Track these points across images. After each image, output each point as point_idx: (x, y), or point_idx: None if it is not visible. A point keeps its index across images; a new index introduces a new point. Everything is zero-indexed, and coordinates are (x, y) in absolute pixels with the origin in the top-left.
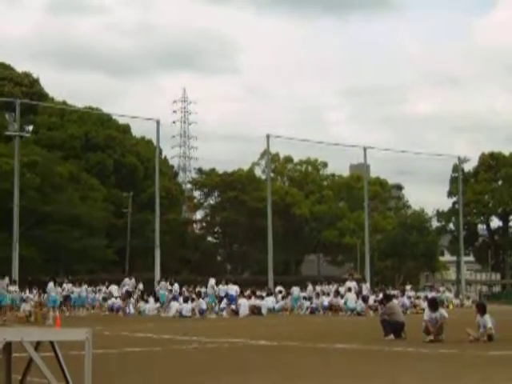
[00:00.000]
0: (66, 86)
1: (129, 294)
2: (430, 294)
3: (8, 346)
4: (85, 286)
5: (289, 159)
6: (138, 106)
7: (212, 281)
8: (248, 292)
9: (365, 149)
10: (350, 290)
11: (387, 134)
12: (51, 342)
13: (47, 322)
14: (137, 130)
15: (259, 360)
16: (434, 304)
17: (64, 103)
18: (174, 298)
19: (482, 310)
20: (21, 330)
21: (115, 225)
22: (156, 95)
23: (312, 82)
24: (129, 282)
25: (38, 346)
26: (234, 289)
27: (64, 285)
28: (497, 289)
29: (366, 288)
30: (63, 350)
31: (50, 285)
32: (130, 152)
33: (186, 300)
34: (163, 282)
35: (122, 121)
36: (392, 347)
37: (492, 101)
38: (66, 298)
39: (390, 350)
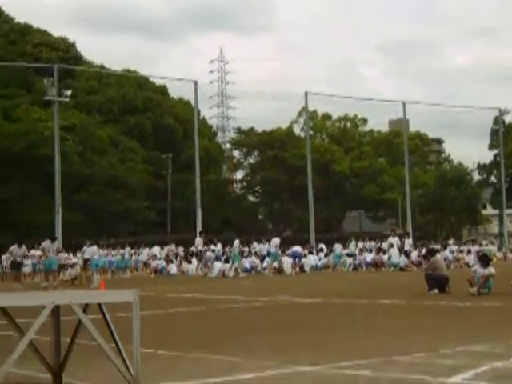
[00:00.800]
0: (102, 50)
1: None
2: (473, 248)
3: (56, 309)
4: (128, 249)
5: (327, 116)
6: (176, 67)
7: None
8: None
9: (404, 103)
10: (392, 245)
11: (425, 88)
12: (99, 304)
13: (92, 286)
14: (174, 92)
15: (303, 317)
16: (486, 260)
17: (101, 67)
18: (217, 258)
19: None
20: (69, 293)
21: (156, 186)
22: (193, 56)
23: (348, 37)
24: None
25: (86, 308)
26: (276, 243)
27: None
28: None
29: (408, 243)
30: (111, 311)
31: (94, 248)
32: (168, 113)
33: (227, 260)
34: (198, 238)
35: (159, 83)
36: (437, 301)
37: None
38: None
39: (434, 304)
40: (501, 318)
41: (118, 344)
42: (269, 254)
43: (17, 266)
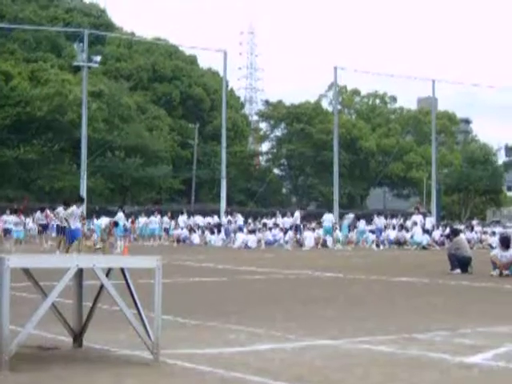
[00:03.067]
0: (133, 17)
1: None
2: (498, 230)
3: (80, 272)
4: (158, 217)
5: (356, 92)
6: (206, 37)
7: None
8: (314, 224)
9: (433, 81)
10: (415, 223)
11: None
12: (122, 270)
13: (115, 252)
14: (204, 62)
15: (323, 291)
16: (507, 242)
17: (132, 34)
18: (240, 229)
19: None
20: (92, 257)
21: (181, 156)
22: (223, 26)
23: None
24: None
25: (109, 273)
26: (297, 217)
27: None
28: None
29: (430, 222)
30: (133, 278)
31: (119, 214)
32: (196, 83)
33: (251, 231)
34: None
35: (189, 52)
36: (458, 281)
37: None
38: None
39: (456, 284)
40: None
41: (140, 310)
42: (291, 227)
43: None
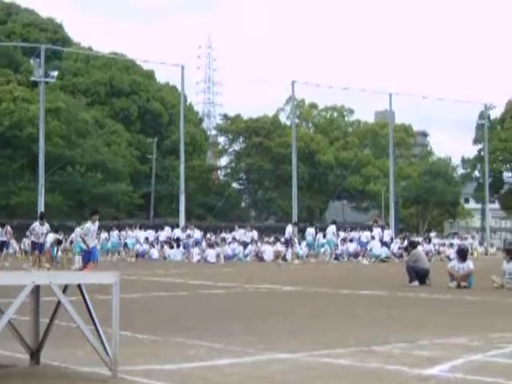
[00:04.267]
0: (90, 32)
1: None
2: (455, 241)
3: (36, 289)
4: (116, 232)
5: (314, 105)
6: (163, 52)
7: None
8: (272, 238)
9: (390, 95)
10: (373, 237)
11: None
12: (79, 286)
13: (73, 267)
14: (161, 76)
15: (283, 305)
16: (463, 255)
17: (89, 49)
18: (197, 244)
19: (510, 254)
20: (49, 274)
21: (140, 170)
22: (180, 41)
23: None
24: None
25: (65, 289)
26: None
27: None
28: None
29: (388, 234)
30: (90, 294)
31: (77, 230)
32: (154, 98)
33: (210, 246)
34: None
35: (146, 67)
36: (417, 293)
37: None
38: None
39: (414, 296)
40: (480, 311)
41: (97, 326)
42: (251, 241)
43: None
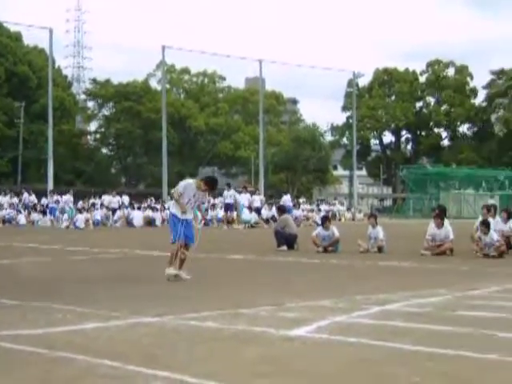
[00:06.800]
0: None
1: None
2: (323, 207)
3: None
4: None
5: (185, 71)
6: (31, 14)
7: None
8: (144, 204)
9: (260, 62)
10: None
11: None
12: None
13: None
14: (29, 39)
15: (151, 270)
16: (326, 221)
17: None
18: (64, 210)
19: (375, 220)
20: None
21: (7, 135)
22: (49, 3)
23: None
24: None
25: None
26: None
27: None
28: (388, 203)
29: (258, 200)
30: None
31: None
32: (21, 61)
33: (79, 211)
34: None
35: (13, 29)
36: (285, 258)
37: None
38: None
39: (282, 261)
40: (346, 274)
41: None
42: (119, 207)
43: None
